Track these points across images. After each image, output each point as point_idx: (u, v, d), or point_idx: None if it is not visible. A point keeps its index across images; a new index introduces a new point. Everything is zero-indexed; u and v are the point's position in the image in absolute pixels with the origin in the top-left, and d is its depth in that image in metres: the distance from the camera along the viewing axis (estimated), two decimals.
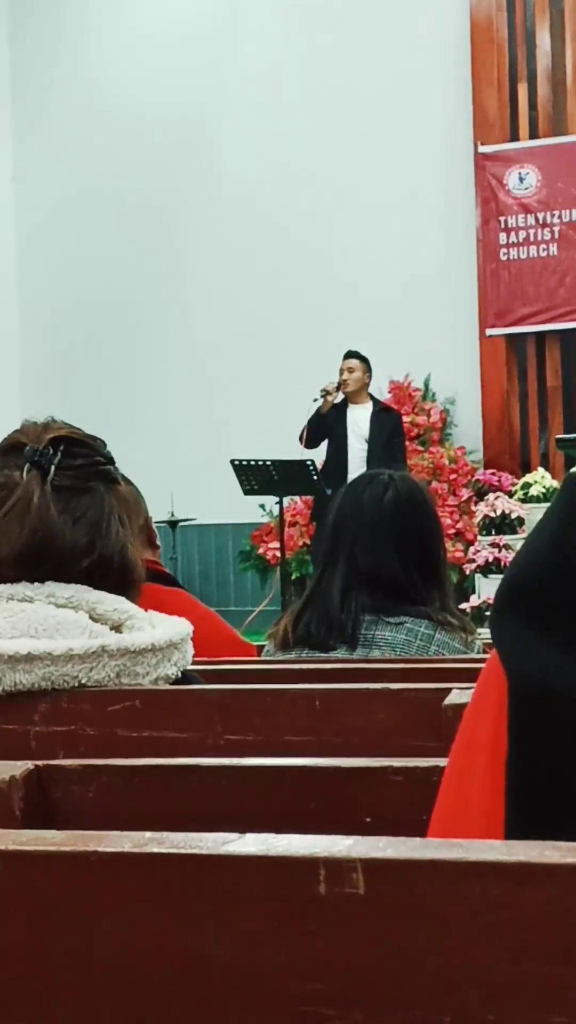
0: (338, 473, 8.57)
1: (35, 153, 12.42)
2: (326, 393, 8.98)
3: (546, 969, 0.63)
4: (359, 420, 9.05)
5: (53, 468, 1.70)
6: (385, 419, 9.10)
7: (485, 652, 2.46)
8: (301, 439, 9.02)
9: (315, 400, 9.01)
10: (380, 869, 0.66)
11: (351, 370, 9.09)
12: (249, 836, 0.71)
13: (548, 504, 0.84)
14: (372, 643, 2.47)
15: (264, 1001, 0.68)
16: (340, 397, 9.06)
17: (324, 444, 9.13)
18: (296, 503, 10.49)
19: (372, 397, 9.23)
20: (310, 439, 9.02)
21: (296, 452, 9.00)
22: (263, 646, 2.72)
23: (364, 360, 9.16)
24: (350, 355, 9.19)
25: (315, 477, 8.65)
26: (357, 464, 8.62)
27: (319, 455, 9.10)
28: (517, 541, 9.05)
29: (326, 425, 9.02)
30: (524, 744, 0.75)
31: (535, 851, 0.64)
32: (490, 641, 0.81)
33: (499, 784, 0.76)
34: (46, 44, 12.35)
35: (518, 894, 0.64)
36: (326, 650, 2.48)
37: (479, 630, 2.62)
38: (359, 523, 2.56)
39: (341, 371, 9.10)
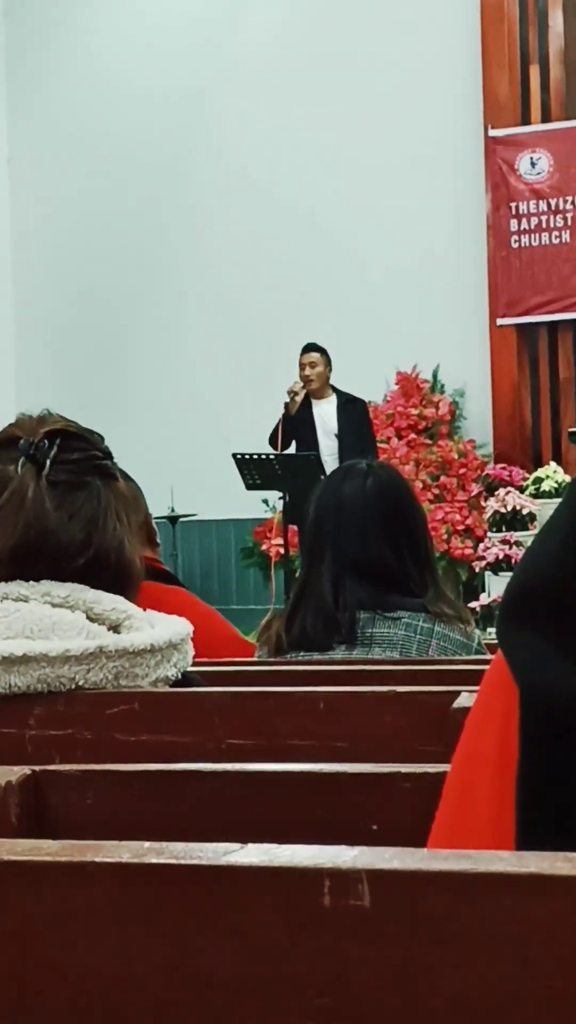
0: None
1: (31, 134, 12.25)
2: (293, 394, 8.75)
3: (558, 984, 0.62)
4: (325, 415, 8.86)
5: (48, 462, 1.68)
6: (352, 410, 8.88)
7: (487, 652, 2.44)
8: (273, 444, 8.86)
9: (286, 404, 8.83)
10: (387, 881, 0.65)
11: (313, 364, 8.84)
12: (251, 846, 0.70)
13: (560, 500, 0.81)
14: (372, 641, 2.45)
15: (267, 1017, 0.67)
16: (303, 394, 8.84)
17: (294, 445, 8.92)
18: None
19: (335, 389, 8.99)
20: (283, 442, 8.84)
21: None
22: None
23: (323, 352, 8.91)
24: (309, 348, 8.93)
25: (320, 471, 8.58)
26: (330, 461, 8.49)
27: None
28: (528, 537, 8.99)
29: (295, 425, 8.81)
30: (537, 757, 0.73)
31: (546, 862, 0.63)
32: (494, 641, 0.79)
33: (507, 796, 0.74)
34: (42, 20, 12.14)
35: (529, 907, 0.62)
36: (324, 650, 2.46)
37: (489, 629, 2.61)
38: (343, 516, 2.55)
39: (302, 366, 8.86)
